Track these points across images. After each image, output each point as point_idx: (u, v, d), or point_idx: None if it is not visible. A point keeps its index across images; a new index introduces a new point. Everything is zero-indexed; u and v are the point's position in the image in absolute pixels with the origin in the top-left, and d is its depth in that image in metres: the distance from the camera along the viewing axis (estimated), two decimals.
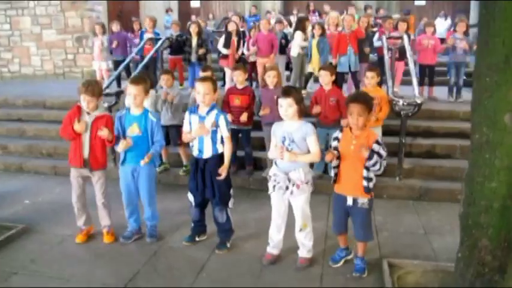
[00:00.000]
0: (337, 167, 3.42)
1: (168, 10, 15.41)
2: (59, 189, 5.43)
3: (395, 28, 7.99)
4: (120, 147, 3.74)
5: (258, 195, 5.12)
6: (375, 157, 3.18)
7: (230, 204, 3.83)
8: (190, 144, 3.79)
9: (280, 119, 5.32)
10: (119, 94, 5.64)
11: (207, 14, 16.29)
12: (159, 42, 7.24)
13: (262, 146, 5.60)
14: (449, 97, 7.56)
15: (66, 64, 11.32)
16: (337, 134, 3.44)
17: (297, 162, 3.38)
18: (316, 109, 5.19)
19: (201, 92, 3.59)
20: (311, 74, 7.71)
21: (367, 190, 3.30)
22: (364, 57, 7.51)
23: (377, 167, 3.21)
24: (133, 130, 3.80)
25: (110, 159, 5.69)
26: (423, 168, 5.58)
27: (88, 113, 3.80)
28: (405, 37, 6.61)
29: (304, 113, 3.45)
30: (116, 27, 8.64)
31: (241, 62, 7.54)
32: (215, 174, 3.71)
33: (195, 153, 3.75)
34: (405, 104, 5.05)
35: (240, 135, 5.52)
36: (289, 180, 3.39)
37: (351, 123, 3.29)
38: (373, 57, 7.64)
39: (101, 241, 4.01)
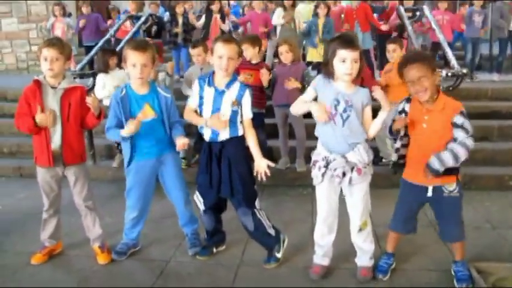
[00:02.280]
0: (405, 145, 2.57)
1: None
2: (24, 193, 4.35)
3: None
4: (131, 128, 2.67)
5: (274, 191, 4.24)
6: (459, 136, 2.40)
7: (257, 204, 2.85)
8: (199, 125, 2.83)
9: (294, 100, 4.52)
10: (95, 75, 4.60)
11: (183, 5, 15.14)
12: (141, 19, 6.20)
13: (275, 133, 4.69)
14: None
15: (30, 57, 9.99)
16: (403, 105, 2.56)
17: (357, 137, 2.49)
18: None
19: (224, 56, 2.62)
20: (310, 63, 6.37)
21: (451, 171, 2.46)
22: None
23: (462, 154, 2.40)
24: (148, 113, 2.73)
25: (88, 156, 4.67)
26: None
27: (53, 87, 2.77)
28: (425, 8, 5.80)
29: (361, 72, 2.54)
30: (86, 9, 7.55)
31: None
32: (236, 162, 2.75)
33: (207, 136, 2.78)
34: (449, 74, 4.24)
35: None
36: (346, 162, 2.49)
37: (414, 94, 2.44)
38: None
39: (87, 261, 2.98)
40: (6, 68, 10.10)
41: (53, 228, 3.00)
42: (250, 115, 2.78)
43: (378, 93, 2.41)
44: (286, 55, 4.33)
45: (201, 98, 2.76)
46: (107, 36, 5.74)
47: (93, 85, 4.64)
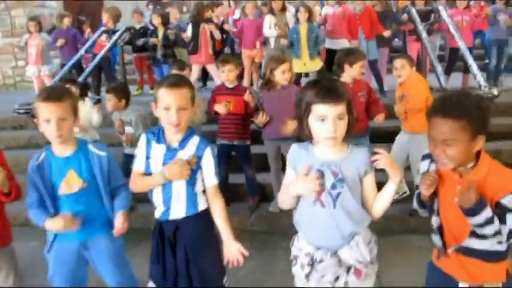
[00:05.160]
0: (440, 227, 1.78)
1: (148, 4, 13.59)
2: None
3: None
4: (59, 225, 2.03)
5: (265, 242, 3.49)
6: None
7: None
8: (150, 196, 2.11)
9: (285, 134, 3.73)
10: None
11: (181, 6, 14.52)
12: (116, 35, 5.57)
13: (265, 166, 3.94)
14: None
15: (17, 72, 9.45)
16: (427, 165, 1.78)
17: (355, 225, 1.74)
18: None
19: (172, 106, 1.92)
20: (300, 75, 5.80)
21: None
22: (384, 40, 5.88)
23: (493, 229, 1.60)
24: (72, 183, 2.08)
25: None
26: None
27: None
28: (441, 8, 5.00)
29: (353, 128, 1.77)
30: (66, 22, 6.87)
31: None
32: (195, 251, 2.03)
33: (158, 212, 2.07)
34: None
35: (233, 153, 3.89)
36: (339, 264, 1.74)
37: (433, 153, 1.66)
38: (397, 41, 6.01)
39: None
40: None
41: None
42: (215, 181, 2.06)
43: (382, 162, 1.64)
44: (287, 74, 3.57)
45: (147, 158, 2.04)
46: (78, 55, 5.08)
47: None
